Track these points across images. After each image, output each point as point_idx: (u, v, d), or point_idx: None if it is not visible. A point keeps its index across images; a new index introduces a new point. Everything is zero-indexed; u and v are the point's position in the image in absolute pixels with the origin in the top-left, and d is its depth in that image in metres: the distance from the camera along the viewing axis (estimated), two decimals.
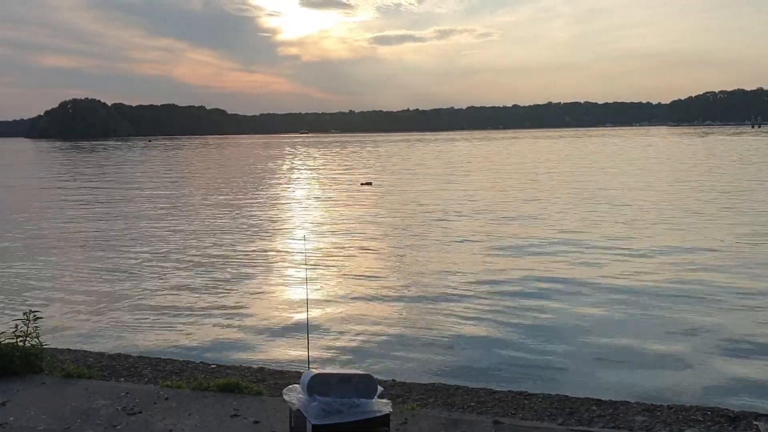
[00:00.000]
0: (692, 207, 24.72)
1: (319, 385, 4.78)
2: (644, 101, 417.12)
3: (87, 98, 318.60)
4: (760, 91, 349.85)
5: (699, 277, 13.23)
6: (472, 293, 12.34)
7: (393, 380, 7.21)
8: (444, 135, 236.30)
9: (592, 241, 17.71)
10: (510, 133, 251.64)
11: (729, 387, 7.48)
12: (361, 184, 38.97)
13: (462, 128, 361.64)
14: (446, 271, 14.36)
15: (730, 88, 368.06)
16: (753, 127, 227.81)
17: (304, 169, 59.03)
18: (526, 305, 11.34)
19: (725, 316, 10.50)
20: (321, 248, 17.89)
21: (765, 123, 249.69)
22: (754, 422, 5.56)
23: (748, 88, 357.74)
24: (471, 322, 10.44)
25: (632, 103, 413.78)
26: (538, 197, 29.40)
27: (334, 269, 15.06)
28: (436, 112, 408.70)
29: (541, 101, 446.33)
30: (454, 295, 12.25)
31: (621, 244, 17.19)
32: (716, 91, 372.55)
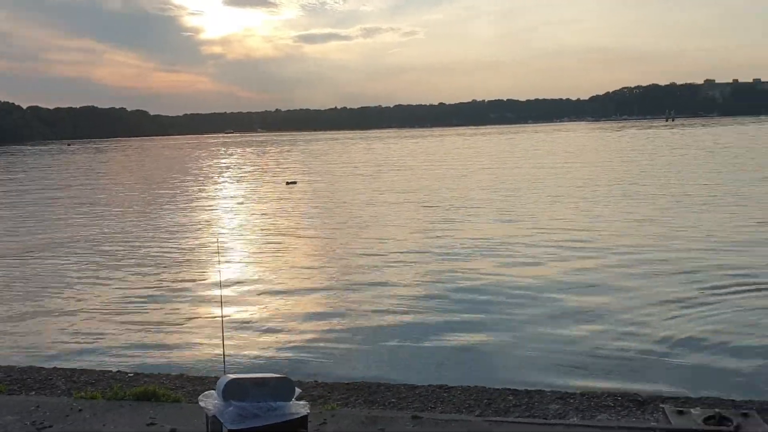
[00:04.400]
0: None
1: (235, 389, 4.72)
2: (565, 98, 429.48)
3: None
4: (673, 86, 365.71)
5: (606, 266, 13.73)
6: (392, 291, 12.43)
7: (315, 381, 7.20)
8: (372, 133, 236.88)
9: (511, 238, 18.12)
10: (437, 131, 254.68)
11: (639, 371, 7.81)
12: (286, 183, 38.70)
13: (390, 126, 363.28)
14: (367, 270, 14.42)
15: (645, 84, 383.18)
16: (667, 120, 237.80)
17: (228, 169, 58.11)
18: (447, 300, 11.54)
19: (627, 301, 10.97)
20: (238, 249, 17.68)
21: (678, 116, 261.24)
22: (661, 405, 5.79)
23: (661, 83, 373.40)
24: (393, 319, 10.54)
25: (553, 99, 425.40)
26: (457, 194, 29.88)
27: (252, 271, 14.90)
28: (364, 111, 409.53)
29: (467, 99, 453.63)
30: (375, 293, 12.33)
31: (536, 239, 17.69)
32: (632, 86, 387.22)
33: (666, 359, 8.27)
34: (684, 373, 7.75)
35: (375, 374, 7.82)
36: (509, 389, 6.44)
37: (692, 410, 5.51)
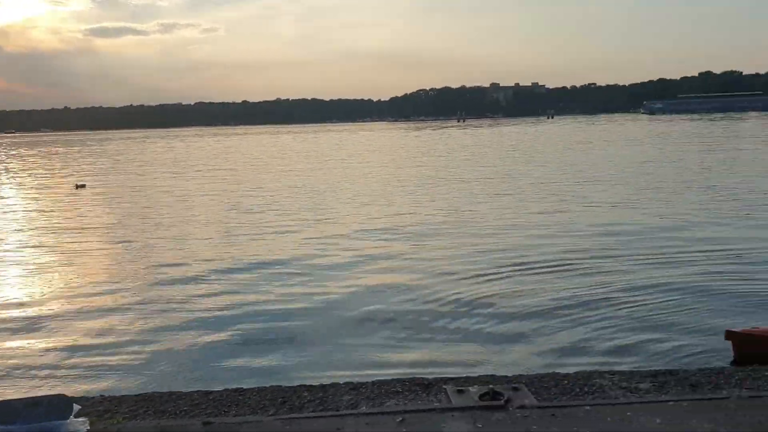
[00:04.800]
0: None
1: (3, 413, 4.35)
2: (366, 98, 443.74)
3: None
4: (463, 89, 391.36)
5: (400, 256, 14.42)
6: (187, 297, 12.02)
7: (101, 395, 6.79)
8: (173, 132, 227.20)
9: (314, 234, 18.36)
10: (241, 129, 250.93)
11: (424, 357, 8.31)
12: (75, 186, 36.02)
13: (191, 124, 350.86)
14: (160, 275, 13.83)
15: (439, 86, 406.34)
16: (459, 121, 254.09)
17: (8, 172, 52.80)
18: (245, 303, 11.39)
19: (417, 282, 11.64)
20: (10, 261, 16.15)
21: (469, 117, 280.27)
22: (444, 386, 6.20)
23: (453, 86, 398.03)
24: (187, 325, 10.22)
25: (356, 100, 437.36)
26: (263, 193, 29.71)
27: (26, 283, 13.70)
28: (163, 108, 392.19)
29: (271, 98, 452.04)
30: (169, 299, 11.87)
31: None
32: (428, 88, 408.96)
33: (451, 342, 8.88)
34: (467, 354, 8.38)
35: (168, 383, 7.55)
36: (305, 386, 6.53)
37: (471, 388, 6.00)
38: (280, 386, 6.56)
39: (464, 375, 6.83)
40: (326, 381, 6.82)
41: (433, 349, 8.67)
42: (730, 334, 7.62)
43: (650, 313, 9.77)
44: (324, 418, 5.54)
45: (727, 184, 26.75)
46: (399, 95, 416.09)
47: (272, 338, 9.41)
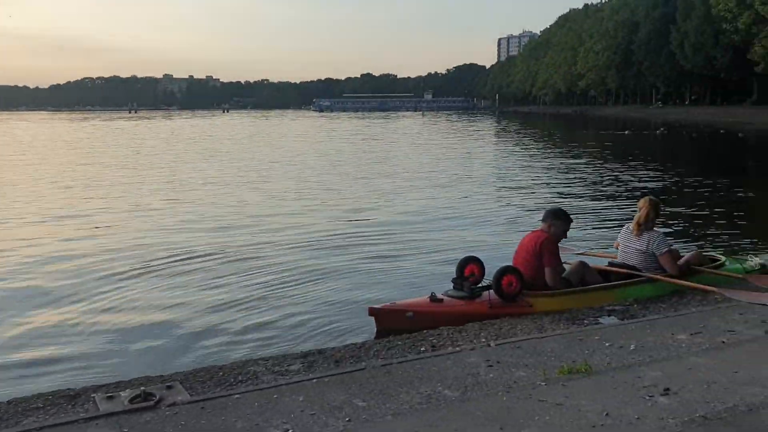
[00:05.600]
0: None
1: None
2: (22, 85, 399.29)
3: None
4: (134, 79, 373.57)
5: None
6: None
7: None
8: None
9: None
10: None
11: (72, 367, 7.76)
12: None
13: None
14: None
15: (107, 75, 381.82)
16: (130, 112, 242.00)
17: None
18: None
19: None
20: None
21: (141, 108, 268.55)
22: (93, 395, 5.89)
23: (123, 75, 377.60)
24: None
25: (8, 86, 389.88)
26: None
27: None
28: None
29: None
30: None
31: None
32: (94, 77, 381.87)
33: (103, 349, 8.37)
34: (121, 360, 7.99)
35: None
36: None
37: (122, 393, 5.79)
38: None
39: (116, 381, 6.51)
40: None
41: (81, 358, 8.08)
42: (372, 311, 8.44)
43: (302, 297, 10.28)
44: None
45: (378, 172, 29.63)
46: (61, 83, 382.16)
47: None
